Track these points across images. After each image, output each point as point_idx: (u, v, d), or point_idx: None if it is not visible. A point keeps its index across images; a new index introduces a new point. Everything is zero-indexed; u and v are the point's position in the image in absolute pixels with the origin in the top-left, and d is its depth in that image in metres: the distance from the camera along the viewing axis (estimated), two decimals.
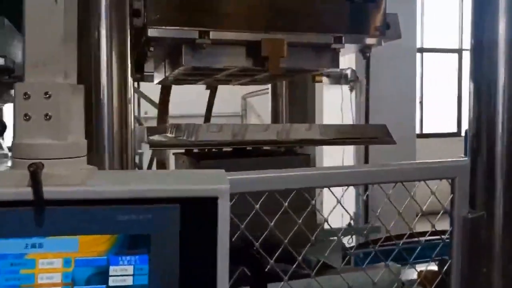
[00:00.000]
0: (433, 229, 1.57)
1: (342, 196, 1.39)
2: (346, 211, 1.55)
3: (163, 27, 1.72)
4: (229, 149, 2.19)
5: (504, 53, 1.48)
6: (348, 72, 6.13)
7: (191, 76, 2.32)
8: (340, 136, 2.10)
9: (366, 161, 5.92)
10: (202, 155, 2.21)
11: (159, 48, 1.96)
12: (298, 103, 3.24)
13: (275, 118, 3.21)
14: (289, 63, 1.92)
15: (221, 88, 3.08)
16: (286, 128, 2.01)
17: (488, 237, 1.50)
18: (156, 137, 2.25)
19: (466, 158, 1.54)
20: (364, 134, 2.21)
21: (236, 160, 2.12)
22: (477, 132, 1.54)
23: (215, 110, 3.26)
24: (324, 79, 6.31)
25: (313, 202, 1.41)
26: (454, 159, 1.53)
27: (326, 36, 1.90)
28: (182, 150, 2.25)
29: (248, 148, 2.15)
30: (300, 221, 1.33)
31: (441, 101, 10.45)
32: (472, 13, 1.55)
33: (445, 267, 1.51)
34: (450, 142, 9.14)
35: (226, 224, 0.73)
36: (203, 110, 3.25)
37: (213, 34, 1.76)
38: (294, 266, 1.29)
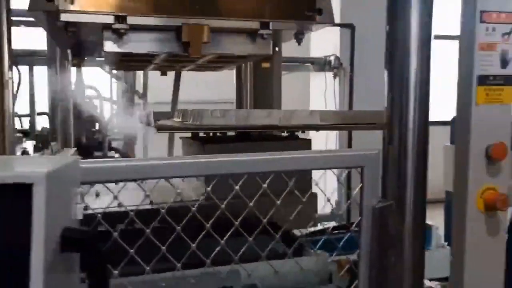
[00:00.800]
0: None
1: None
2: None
3: (76, 12, 1.64)
4: (233, 133, 2.25)
5: (417, 40, 1.45)
6: (332, 58, 6.06)
7: (125, 62, 2.24)
8: (339, 121, 2.17)
9: (350, 146, 5.86)
10: (208, 139, 2.23)
11: (83, 33, 1.88)
12: (263, 89, 3.20)
13: (239, 104, 3.18)
14: (215, 49, 1.88)
15: (215, 75, 3.05)
16: (287, 114, 2.04)
17: (397, 227, 1.49)
18: (162, 122, 2.29)
19: (378, 148, 1.50)
20: (363, 120, 2.23)
21: (239, 144, 2.19)
22: (390, 121, 1.51)
23: (208, 97, 3.24)
24: (309, 65, 6.25)
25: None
26: (365, 148, 1.49)
27: (252, 21, 1.84)
28: (189, 135, 2.30)
29: (252, 132, 2.18)
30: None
31: (439, 88, 10.37)
32: None
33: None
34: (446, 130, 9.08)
35: (42, 213, 0.68)
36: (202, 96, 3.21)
37: (130, 19, 1.69)
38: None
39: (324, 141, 5.60)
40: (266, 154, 1.30)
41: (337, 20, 6.84)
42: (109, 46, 1.76)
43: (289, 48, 2.92)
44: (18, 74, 3.60)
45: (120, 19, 1.68)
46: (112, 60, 2.25)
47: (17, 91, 3.68)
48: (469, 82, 1.34)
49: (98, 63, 3.88)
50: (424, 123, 1.47)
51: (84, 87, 3.80)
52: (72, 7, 1.63)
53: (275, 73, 3.30)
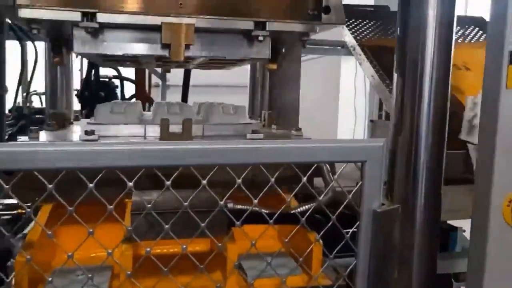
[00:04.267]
0: None
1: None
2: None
3: (37, 7, 1.42)
4: None
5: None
6: None
7: (104, 58, 2.01)
8: None
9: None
10: None
11: (52, 31, 1.66)
12: (279, 89, 2.96)
13: (252, 105, 2.95)
14: (202, 51, 1.64)
15: None
16: None
17: (403, 236, 1.23)
18: None
19: (382, 139, 1.24)
20: None
21: None
22: (399, 105, 1.25)
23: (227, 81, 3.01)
24: (339, 49, 5.94)
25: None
26: (368, 138, 1.23)
27: (245, 21, 1.59)
28: None
29: None
30: None
31: None
32: None
33: None
34: None
35: None
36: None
37: (101, 17, 1.46)
38: None
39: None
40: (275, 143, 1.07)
41: (370, 1, 6.48)
42: (79, 46, 1.53)
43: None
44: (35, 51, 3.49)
45: (88, 16, 1.45)
46: (89, 56, 2.02)
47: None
48: (498, 60, 1.07)
49: None
50: (441, 109, 1.21)
51: None
52: (31, 2, 1.40)
53: (292, 74, 3.03)
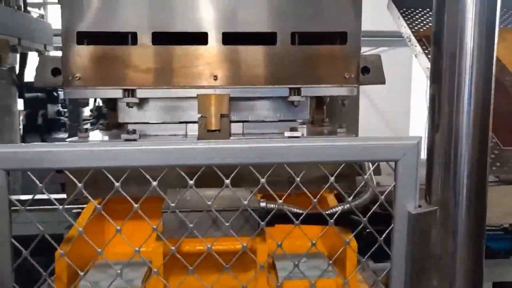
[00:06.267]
0: None
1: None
2: None
3: (80, 88, 1.57)
4: None
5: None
6: None
7: None
8: None
9: None
10: None
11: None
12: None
13: None
14: (237, 117, 1.69)
15: None
16: None
17: (442, 241, 1.14)
18: None
19: (418, 136, 1.16)
20: None
21: None
22: (437, 99, 1.15)
23: None
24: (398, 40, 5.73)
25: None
26: (403, 136, 1.15)
27: (279, 89, 1.61)
28: None
29: None
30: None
31: None
32: None
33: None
34: None
35: None
36: None
37: (140, 92, 1.58)
38: None
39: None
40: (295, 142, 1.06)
41: None
42: (122, 117, 1.68)
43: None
44: None
45: (128, 92, 1.56)
46: None
47: None
48: None
49: None
50: (484, 103, 1.10)
51: None
52: (77, 83, 1.53)
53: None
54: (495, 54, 1.12)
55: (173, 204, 1.09)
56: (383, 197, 1.15)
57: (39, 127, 5.63)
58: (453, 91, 1.12)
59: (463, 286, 1.14)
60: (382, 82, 1.65)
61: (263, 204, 1.36)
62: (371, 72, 1.63)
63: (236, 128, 1.68)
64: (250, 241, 1.19)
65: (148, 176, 1.05)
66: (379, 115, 7.35)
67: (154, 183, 1.05)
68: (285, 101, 1.67)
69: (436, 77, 1.16)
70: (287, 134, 1.60)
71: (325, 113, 2.26)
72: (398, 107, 7.45)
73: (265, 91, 1.60)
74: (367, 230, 1.21)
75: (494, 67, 1.11)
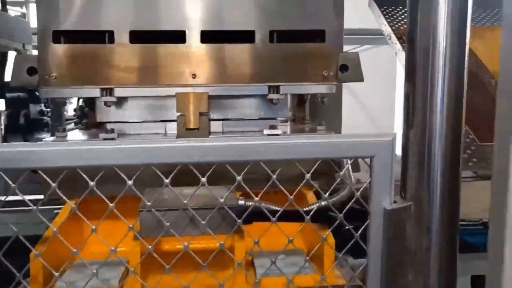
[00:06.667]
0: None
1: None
2: None
3: (58, 87, 1.56)
4: None
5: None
6: None
7: None
8: None
9: None
10: None
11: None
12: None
13: None
14: (216, 115, 1.70)
15: None
16: None
17: (417, 236, 1.15)
18: None
19: (393, 133, 1.17)
20: None
21: None
22: (411, 97, 1.17)
23: None
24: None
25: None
26: (378, 132, 1.16)
27: (257, 87, 1.62)
28: None
29: None
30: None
31: None
32: None
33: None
34: None
35: None
36: None
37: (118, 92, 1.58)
38: None
39: None
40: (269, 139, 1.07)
41: None
42: (100, 116, 1.69)
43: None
44: None
45: (106, 91, 1.54)
46: None
47: None
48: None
49: None
50: (457, 101, 1.11)
51: None
52: (53, 82, 1.52)
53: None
54: (467, 52, 1.13)
55: (149, 203, 1.08)
56: (358, 193, 1.16)
57: (21, 127, 5.55)
58: (426, 89, 1.13)
59: (437, 281, 1.16)
60: (361, 79, 1.66)
61: (241, 202, 1.37)
62: (349, 70, 1.65)
63: (215, 126, 1.68)
64: (227, 239, 1.19)
65: (123, 175, 1.04)
66: (365, 113, 7.41)
67: (130, 182, 1.05)
68: (264, 99, 1.67)
69: (410, 75, 1.17)
70: (266, 132, 1.60)
71: (306, 111, 2.27)
72: (383, 104, 7.51)
73: (244, 89, 1.60)
74: (347, 227, 1.22)
75: (466, 65, 1.13)
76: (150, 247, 1.08)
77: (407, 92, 1.18)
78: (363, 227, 1.16)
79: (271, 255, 1.22)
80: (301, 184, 1.16)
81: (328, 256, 1.34)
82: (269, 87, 1.59)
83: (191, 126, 1.53)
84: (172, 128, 1.66)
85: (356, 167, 1.63)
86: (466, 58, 1.13)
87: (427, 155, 1.14)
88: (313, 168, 1.13)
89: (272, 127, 1.62)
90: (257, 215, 1.26)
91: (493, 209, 1.06)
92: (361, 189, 1.16)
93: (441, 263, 1.16)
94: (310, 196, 1.61)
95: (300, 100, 2.14)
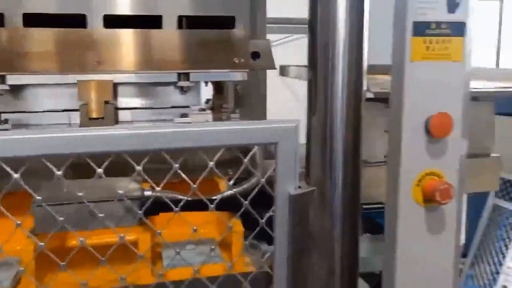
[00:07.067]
0: None
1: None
2: None
3: None
4: None
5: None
6: None
7: None
8: None
9: None
10: None
11: None
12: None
13: None
14: (124, 104, 1.60)
15: None
16: None
17: (320, 220, 1.18)
18: None
19: (297, 119, 1.18)
20: None
21: None
22: (313, 84, 1.18)
23: None
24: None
25: None
26: (281, 119, 1.17)
27: (166, 74, 1.55)
28: None
29: None
30: None
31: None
32: None
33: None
34: None
35: None
36: None
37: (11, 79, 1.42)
38: None
39: None
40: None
41: None
42: None
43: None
44: None
45: None
46: None
47: None
48: (401, 31, 1.00)
49: None
50: (356, 87, 1.14)
51: None
52: None
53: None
54: (366, 41, 1.16)
55: (39, 197, 1.01)
56: (264, 179, 1.16)
57: None
58: (327, 76, 1.15)
59: (340, 263, 1.19)
60: (272, 67, 1.66)
61: (148, 193, 1.32)
62: (261, 57, 1.64)
63: (124, 115, 1.61)
64: (130, 231, 1.15)
65: (8, 169, 0.96)
66: (298, 102, 7.54)
67: (16, 175, 0.97)
68: (176, 87, 1.63)
69: (312, 63, 1.19)
70: (176, 121, 1.56)
71: (226, 99, 2.25)
72: None
73: (152, 77, 1.54)
74: (254, 215, 1.22)
75: (365, 53, 1.16)
76: (42, 244, 1.01)
77: (310, 79, 1.19)
78: (268, 213, 1.16)
79: (182, 246, 1.19)
80: (204, 173, 1.14)
81: (236, 244, 1.34)
82: (179, 74, 1.55)
83: (94, 116, 1.45)
84: (77, 118, 1.57)
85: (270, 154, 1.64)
86: (365, 47, 1.16)
87: (329, 140, 1.16)
88: (217, 156, 1.11)
89: (184, 115, 1.58)
90: (164, 206, 1.22)
91: (388, 193, 1.11)
92: (266, 176, 1.16)
93: (344, 245, 1.20)
94: (223, 184, 1.59)
95: (218, 88, 2.11)
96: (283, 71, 2.74)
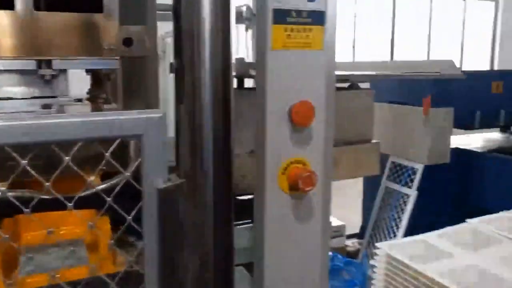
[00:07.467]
0: None
1: None
2: None
3: None
4: None
5: None
6: (244, 9, 5.45)
7: None
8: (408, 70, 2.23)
9: None
10: None
11: None
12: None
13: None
14: None
15: None
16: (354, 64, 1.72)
17: (190, 214, 1.14)
18: None
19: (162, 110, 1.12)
20: (430, 69, 2.32)
21: None
22: (180, 72, 1.13)
23: None
24: None
25: None
26: (146, 110, 1.10)
27: (23, 61, 1.41)
28: None
29: None
30: None
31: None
32: None
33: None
34: None
35: None
36: None
37: None
38: None
39: None
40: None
41: None
42: None
43: None
44: None
45: None
46: None
47: None
48: (263, 18, 1.00)
49: None
50: (225, 74, 1.12)
51: None
52: None
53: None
54: (232, 27, 1.14)
55: None
56: (128, 174, 1.09)
57: None
58: (193, 64, 1.10)
59: (213, 255, 1.17)
60: (147, 52, 1.58)
61: None
62: (134, 44, 1.55)
63: None
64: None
65: None
66: None
67: None
68: (38, 76, 1.48)
69: (178, 51, 1.13)
70: (38, 112, 1.42)
71: (105, 90, 2.12)
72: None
73: (6, 64, 1.38)
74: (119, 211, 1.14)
75: (232, 40, 1.13)
76: None
77: (176, 67, 1.14)
78: (135, 209, 1.10)
79: (45, 248, 1.08)
80: (60, 168, 1.04)
81: (102, 243, 1.25)
82: (39, 61, 1.40)
83: None
84: None
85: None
86: (232, 34, 1.13)
87: (198, 130, 1.12)
88: (73, 150, 1.02)
89: (46, 106, 1.44)
90: (17, 207, 1.10)
91: (256, 182, 1.10)
92: (131, 170, 1.09)
93: (216, 237, 1.17)
94: (98, 181, 1.49)
95: (96, 77, 1.97)
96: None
